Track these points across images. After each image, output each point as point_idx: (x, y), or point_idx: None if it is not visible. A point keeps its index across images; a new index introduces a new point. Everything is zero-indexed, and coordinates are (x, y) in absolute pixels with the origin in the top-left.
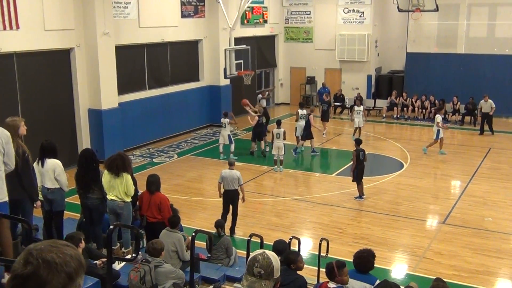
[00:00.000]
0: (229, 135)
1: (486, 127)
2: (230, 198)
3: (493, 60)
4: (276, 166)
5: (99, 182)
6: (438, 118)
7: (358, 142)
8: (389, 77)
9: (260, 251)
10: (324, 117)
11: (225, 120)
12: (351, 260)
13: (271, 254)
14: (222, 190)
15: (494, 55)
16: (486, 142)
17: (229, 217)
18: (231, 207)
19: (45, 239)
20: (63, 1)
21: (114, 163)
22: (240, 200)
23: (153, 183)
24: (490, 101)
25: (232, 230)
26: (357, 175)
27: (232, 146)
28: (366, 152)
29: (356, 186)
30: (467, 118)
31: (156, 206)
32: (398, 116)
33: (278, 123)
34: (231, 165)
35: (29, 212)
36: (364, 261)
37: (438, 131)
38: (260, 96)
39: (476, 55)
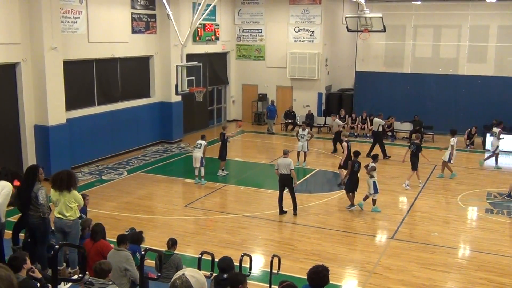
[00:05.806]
0: (201, 158)
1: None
2: (284, 180)
3: (437, 80)
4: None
5: (39, 200)
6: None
7: (356, 154)
8: (339, 95)
9: (180, 273)
10: (414, 165)
11: (201, 142)
12: (303, 277)
13: (191, 276)
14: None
15: (438, 74)
16: (431, 159)
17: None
18: (286, 190)
19: None
20: (9, 15)
21: (58, 177)
22: (294, 184)
23: (98, 232)
24: (376, 119)
25: (294, 211)
26: (349, 185)
27: (202, 170)
28: (318, 169)
29: (347, 195)
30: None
31: (99, 253)
32: (348, 133)
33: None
34: (285, 154)
35: None
36: (320, 277)
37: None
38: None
39: (422, 75)
